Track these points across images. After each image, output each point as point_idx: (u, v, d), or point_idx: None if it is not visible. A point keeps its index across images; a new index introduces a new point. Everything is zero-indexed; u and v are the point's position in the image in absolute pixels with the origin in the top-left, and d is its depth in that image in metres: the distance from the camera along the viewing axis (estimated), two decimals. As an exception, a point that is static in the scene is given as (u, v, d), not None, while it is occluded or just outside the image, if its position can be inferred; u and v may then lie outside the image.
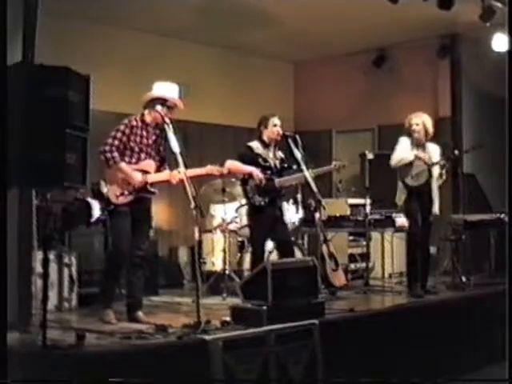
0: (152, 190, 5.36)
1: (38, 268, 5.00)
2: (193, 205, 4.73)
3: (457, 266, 7.25)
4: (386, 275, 8.19)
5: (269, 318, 4.77)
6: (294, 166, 6.23)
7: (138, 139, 5.29)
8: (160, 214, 8.54)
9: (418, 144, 6.69)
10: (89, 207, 6.32)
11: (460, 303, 6.43)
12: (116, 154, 5.18)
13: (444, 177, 6.73)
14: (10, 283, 3.82)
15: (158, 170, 5.42)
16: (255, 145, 6.25)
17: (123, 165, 5.22)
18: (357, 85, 10.00)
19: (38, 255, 5.02)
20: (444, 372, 5.60)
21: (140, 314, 5.27)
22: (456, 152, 6.93)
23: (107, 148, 5.17)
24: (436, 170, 6.67)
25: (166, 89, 5.46)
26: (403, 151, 6.64)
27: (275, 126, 6.21)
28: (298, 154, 6.13)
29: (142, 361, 4.03)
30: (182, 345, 4.29)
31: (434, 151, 6.75)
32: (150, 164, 5.36)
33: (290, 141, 6.20)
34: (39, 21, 4.81)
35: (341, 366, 4.80)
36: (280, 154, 6.37)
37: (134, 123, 5.29)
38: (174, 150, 4.98)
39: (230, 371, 4.20)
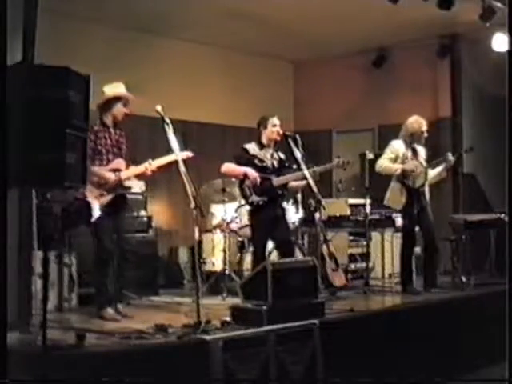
0: (127, 185, 5.58)
1: (38, 268, 4.99)
2: (193, 205, 4.75)
3: (457, 265, 7.25)
4: (386, 275, 8.17)
5: (269, 318, 4.76)
6: (294, 166, 6.23)
7: (103, 142, 5.50)
8: (160, 214, 8.55)
9: (411, 147, 6.79)
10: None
11: (460, 303, 6.43)
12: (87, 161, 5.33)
13: (443, 174, 6.84)
14: (9, 283, 3.82)
15: (127, 167, 5.60)
16: (251, 146, 6.25)
17: (95, 169, 5.40)
18: (357, 85, 10.01)
19: (38, 255, 5.01)
20: (444, 372, 5.60)
21: (119, 306, 5.44)
22: (449, 154, 6.93)
23: None
24: (430, 172, 6.78)
25: (116, 88, 5.59)
26: (393, 157, 6.75)
27: (274, 126, 6.21)
28: (298, 154, 6.12)
29: (142, 361, 4.03)
30: (182, 345, 4.29)
31: (421, 152, 6.90)
32: (119, 162, 5.55)
33: (290, 141, 6.19)
34: (39, 21, 4.81)
35: (341, 366, 4.80)
36: (280, 154, 6.36)
37: (96, 128, 5.48)
38: (174, 149, 5.01)
39: (230, 371, 4.20)
